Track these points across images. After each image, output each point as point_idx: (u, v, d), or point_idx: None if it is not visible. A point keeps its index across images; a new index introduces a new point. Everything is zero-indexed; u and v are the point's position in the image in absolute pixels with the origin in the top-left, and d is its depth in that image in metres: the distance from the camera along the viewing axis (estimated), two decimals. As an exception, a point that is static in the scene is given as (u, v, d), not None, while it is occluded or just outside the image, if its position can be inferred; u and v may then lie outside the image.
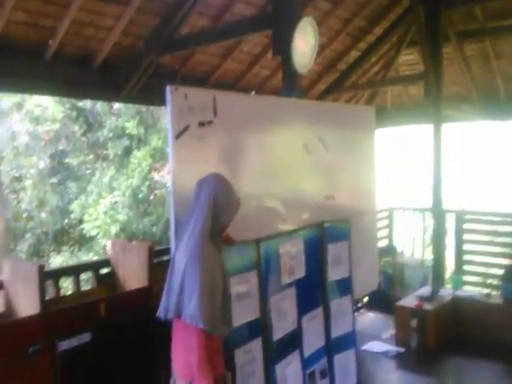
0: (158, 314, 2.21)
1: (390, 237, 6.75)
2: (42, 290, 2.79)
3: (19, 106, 10.66)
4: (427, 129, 5.86)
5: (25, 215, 11.31)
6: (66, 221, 10.72)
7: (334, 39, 5.82)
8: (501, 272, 5.31)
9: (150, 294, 3.31)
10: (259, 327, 2.89)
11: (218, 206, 2.23)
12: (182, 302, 2.09)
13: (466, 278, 5.87)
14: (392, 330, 5.00)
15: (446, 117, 5.68)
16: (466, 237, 5.91)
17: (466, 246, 5.91)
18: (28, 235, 10.86)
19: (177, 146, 2.59)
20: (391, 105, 7.42)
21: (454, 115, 6.25)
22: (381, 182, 4.86)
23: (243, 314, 2.76)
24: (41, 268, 2.80)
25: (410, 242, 6.78)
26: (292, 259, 3.21)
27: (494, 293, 5.24)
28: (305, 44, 3.68)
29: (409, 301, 4.94)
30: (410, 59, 6.65)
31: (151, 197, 10.70)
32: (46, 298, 2.90)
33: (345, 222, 3.78)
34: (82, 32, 4.00)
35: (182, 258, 2.15)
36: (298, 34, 3.54)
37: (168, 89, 2.54)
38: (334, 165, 3.93)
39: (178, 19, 4.31)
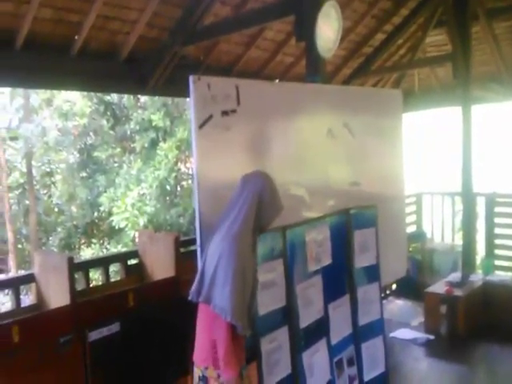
0: (190, 297, 2.23)
1: (418, 222, 6.65)
2: (72, 282, 2.85)
3: (48, 102, 10.88)
4: (456, 111, 5.72)
5: (55, 209, 11.59)
6: (96, 214, 10.93)
7: (358, 22, 5.72)
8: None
9: (177, 284, 3.35)
10: (285, 315, 2.89)
11: (261, 206, 2.22)
12: (214, 291, 2.12)
13: (498, 262, 5.74)
14: (421, 317, 4.94)
15: (475, 98, 5.54)
16: (497, 220, 5.78)
17: (497, 230, 5.78)
18: (59, 229, 11.12)
19: (200, 135, 2.59)
20: (418, 88, 7.26)
21: (484, 96, 6.10)
22: (409, 166, 4.77)
23: (269, 302, 2.76)
24: (70, 260, 2.86)
25: (440, 227, 6.67)
26: (318, 246, 3.19)
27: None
28: (329, 28, 3.63)
29: (438, 287, 4.87)
30: (437, 40, 6.48)
31: (178, 188, 10.80)
32: (76, 290, 2.96)
33: (371, 208, 3.73)
34: (107, 26, 4.04)
35: (216, 248, 2.16)
36: (322, 18, 3.49)
37: (191, 79, 2.54)
38: (360, 150, 3.88)
39: (201, 9, 4.30)
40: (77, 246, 11.28)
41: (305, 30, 3.52)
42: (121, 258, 3.79)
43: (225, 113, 2.69)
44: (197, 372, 2.21)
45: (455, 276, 5.11)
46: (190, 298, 2.23)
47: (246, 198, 2.22)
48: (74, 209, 11.28)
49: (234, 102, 2.75)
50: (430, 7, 5.87)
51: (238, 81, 2.87)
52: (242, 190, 2.26)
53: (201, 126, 2.57)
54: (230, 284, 2.06)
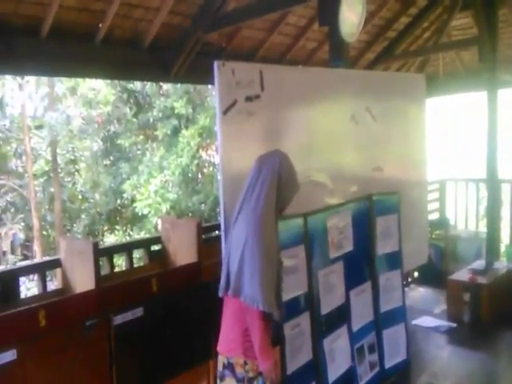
0: (220, 293, 2.22)
1: (442, 209, 6.58)
2: (97, 267, 2.90)
3: (73, 91, 11.00)
4: (481, 96, 5.61)
5: (80, 196, 11.78)
6: (119, 201, 11.08)
7: (382, 6, 5.62)
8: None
9: (199, 270, 3.39)
10: (307, 301, 2.90)
11: (280, 185, 2.20)
12: (242, 281, 2.08)
13: (523, 250, 5.65)
14: (444, 305, 4.91)
15: (502, 82, 5.42)
16: (523, 207, 5.68)
17: (522, 217, 5.69)
18: (83, 216, 11.32)
19: (225, 121, 2.59)
20: (443, 72, 7.12)
21: (510, 80, 5.95)
22: (432, 152, 4.71)
23: (291, 288, 2.76)
24: (95, 245, 2.91)
25: (463, 214, 6.58)
26: (340, 233, 3.19)
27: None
28: (352, 12, 3.59)
29: (461, 274, 4.83)
30: (463, 23, 6.33)
31: (199, 175, 10.86)
32: (101, 275, 3.02)
33: (394, 194, 3.70)
34: (130, 14, 4.06)
35: (240, 234, 2.12)
36: (345, 2, 3.45)
37: (216, 64, 2.54)
38: (383, 136, 3.84)
39: (223, -5, 4.29)
40: (100, 233, 11.45)
41: (328, 14, 3.49)
42: (144, 243, 3.84)
43: (249, 98, 2.70)
44: (221, 360, 2.24)
45: (479, 263, 5.05)
46: (220, 294, 2.21)
47: (264, 178, 2.19)
48: (97, 196, 11.45)
49: (258, 88, 2.75)
50: (456, -11, 5.74)
51: (262, 66, 2.87)
52: (260, 171, 2.22)
53: (225, 112, 2.58)
54: (259, 271, 2.04)
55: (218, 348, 2.28)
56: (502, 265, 5.02)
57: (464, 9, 5.84)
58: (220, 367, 2.25)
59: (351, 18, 3.58)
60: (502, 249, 5.86)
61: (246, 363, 2.14)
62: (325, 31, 4.66)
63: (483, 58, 5.12)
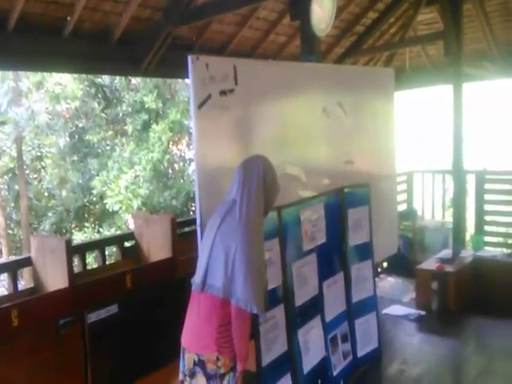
0: (194, 287, 2.22)
1: (409, 200, 6.72)
2: (70, 264, 2.88)
3: (39, 86, 10.73)
4: (447, 89, 5.74)
5: (46, 194, 11.53)
6: (87, 197, 10.89)
7: (351, 1, 5.70)
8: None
9: (174, 265, 3.39)
10: (281, 294, 2.94)
11: (266, 189, 2.24)
12: (234, 286, 2.08)
13: (487, 238, 5.83)
14: (412, 294, 5.03)
15: (467, 76, 5.55)
16: (486, 197, 5.85)
17: (486, 207, 5.86)
18: (50, 213, 11.08)
19: (199, 115, 2.61)
20: (410, 66, 7.25)
21: (475, 74, 6.10)
22: (400, 145, 4.81)
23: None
24: (68, 242, 2.89)
25: (430, 205, 6.75)
26: (313, 225, 3.24)
27: (515, 253, 5.21)
28: (322, 7, 3.64)
29: (429, 264, 4.95)
30: (428, 18, 6.46)
31: (171, 171, 10.79)
32: (74, 272, 2.98)
33: (364, 186, 3.77)
34: (99, 7, 4.01)
35: (230, 238, 2.13)
36: (316, -3, 3.50)
37: (189, 58, 2.55)
38: (354, 129, 3.91)
39: (194, -12, 4.27)
40: (68, 230, 11.26)
41: (299, 8, 3.53)
42: (117, 240, 3.82)
43: (223, 92, 2.71)
44: (191, 357, 2.20)
45: (446, 253, 5.19)
46: (193, 288, 2.22)
47: (251, 183, 2.21)
48: (65, 193, 11.23)
49: (232, 82, 2.77)
50: (421, -16, 5.85)
51: (236, 60, 2.89)
52: (245, 177, 2.24)
53: (200, 106, 2.59)
54: (251, 276, 2.07)
55: (187, 345, 2.23)
56: (468, 253, 5.16)
57: (429, 4, 5.97)
58: (190, 364, 2.21)
59: (322, 13, 3.63)
60: (468, 238, 6.04)
61: (218, 359, 2.14)
62: (295, 26, 4.70)
63: (448, 52, 5.23)
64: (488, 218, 5.89)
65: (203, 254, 2.25)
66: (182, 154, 11.25)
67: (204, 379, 2.17)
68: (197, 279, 2.22)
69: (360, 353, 3.63)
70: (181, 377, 2.29)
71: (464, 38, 5.37)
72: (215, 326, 2.15)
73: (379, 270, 5.85)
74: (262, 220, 2.22)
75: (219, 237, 2.18)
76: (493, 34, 6.08)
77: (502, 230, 6.38)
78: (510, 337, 4.17)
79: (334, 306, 3.41)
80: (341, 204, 3.55)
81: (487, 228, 5.92)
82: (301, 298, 3.08)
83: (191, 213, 10.29)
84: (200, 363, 2.17)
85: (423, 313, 4.65)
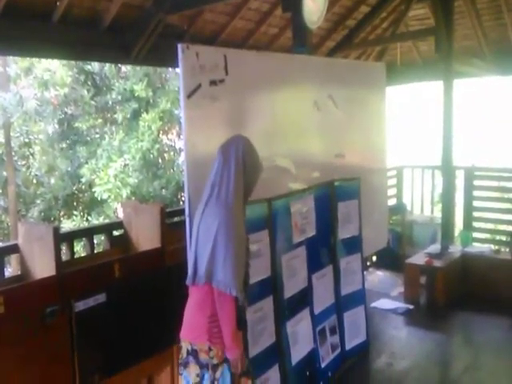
0: (187, 281, 2.22)
1: (399, 195, 6.75)
2: (58, 252, 2.84)
3: (28, 72, 10.59)
4: (437, 85, 5.76)
5: (34, 181, 11.41)
6: (76, 185, 10.79)
7: (343, -6, 5.68)
8: (510, 228, 5.32)
9: (162, 255, 3.36)
10: (270, 286, 2.94)
11: (246, 169, 2.20)
12: (215, 268, 2.08)
13: (475, 234, 5.89)
14: (401, 288, 5.07)
15: (457, 73, 5.57)
16: (475, 193, 5.90)
17: (475, 203, 5.91)
18: (38, 201, 10.97)
19: (189, 105, 2.58)
20: (401, 62, 7.27)
21: (465, 71, 6.12)
22: (391, 140, 4.82)
23: (255, 273, 2.77)
24: (56, 230, 2.84)
25: (420, 200, 6.78)
26: (303, 218, 3.24)
27: (502, 249, 5.26)
28: (315, -1, 3.61)
29: (418, 258, 4.98)
30: (420, 14, 6.46)
31: (161, 160, 10.73)
32: (61, 260, 2.95)
33: (354, 180, 3.78)
34: (89, -8, 3.94)
35: (210, 224, 2.12)
36: (308, -12, 3.47)
37: (179, 47, 2.52)
38: (344, 122, 3.91)
39: (185, -23, 4.22)
40: (57, 218, 11.16)
41: (291, 0, 3.49)
42: (106, 229, 3.78)
43: (213, 82, 2.69)
44: (184, 346, 2.23)
45: (434, 248, 5.23)
46: (188, 283, 2.21)
47: (230, 165, 2.18)
48: (53, 180, 11.12)
49: (222, 72, 2.75)
50: (414, -20, 5.84)
51: (227, 50, 2.86)
52: (224, 158, 2.21)
53: (189, 96, 2.56)
54: (230, 258, 2.05)
55: (181, 334, 2.26)
56: (456, 249, 5.21)
57: (421, -1, 5.97)
58: (184, 354, 2.23)
59: (314, 5, 3.60)
60: (457, 233, 6.08)
61: (210, 349, 2.14)
62: (287, 17, 4.66)
63: (439, 49, 5.24)
64: (476, 214, 5.95)
65: (191, 245, 2.25)
66: (173, 144, 11.18)
67: (197, 367, 2.17)
68: (189, 272, 2.22)
69: (348, 345, 3.65)
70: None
71: (455, 34, 5.39)
72: (207, 315, 2.15)
73: (368, 263, 5.89)
74: (241, 202, 2.18)
75: (203, 223, 2.17)
76: (483, 31, 6.11)
77: (490, 226, 6.45)
78: (497, 332, 4.22)
79: (322, 298, 3.43)
80: (331, 197, 3.55)
81: (475, 224, 5.98)
82: (290, 290, 3.09)
83: (181, 203, 10.25)
84: (193, 352, 2.18)
85: (411, 307, 4.69)
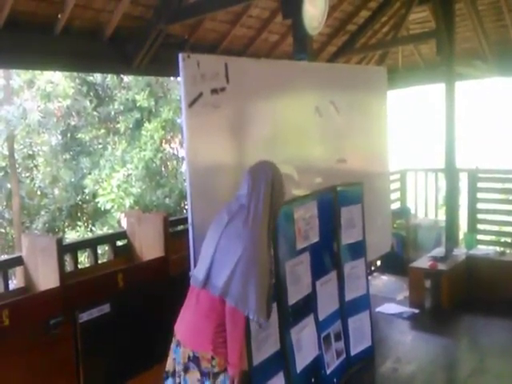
0: (194, 282, 2.24)
1: (402, 199, 6.73)
2: (62, 263, 2.86)
3: (30, 84, 10.67)
4: (440, 88, 5.76)
5: (38, 192, 11.46)
6: (80, 196, 10.83)
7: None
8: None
9: (166, 264, 3.37)
10: (274, 293, 2.91)
11: (274, 195, 2.26)
12: (233, 286, 2.10)
13: (480, 237, 5.85)
14: (406, 292, 5.04)
15: (459, 75, 5.57)
16: (479, 195, 5.87)
17: (479, 205, 5.87)
18: (42, 212, 11.01)
19: (190, 114, 2.59)
20: (402, 65, 7.28)
21: (467, 73, 6.13)
22: (393, 143, 4.81)
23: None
24: (59, 241, 2.86)
25: (423, 203, 6.76)
26: (306, 224, 3.23)
27: (508, 251, 5.23)
28: (315, 5, 3.62)
29: (422, 262, 4.96)
30: (420, 17, 6.47)
31: (163, 169, 10.75)
32: (65, 272, 2.96)
33: (357, 185, 3.77)
34: (90, 4, 3.97)
35: (234, 240, 2.16)
36: (308, -5, 3.48)
37: (180, 56, 2.53)
38: (346, 127, 3.91)
39: (185, -14, 4.25)
40: (61, 229, 11.19)
41: (291, 7, 3.51)
42: (109, 239, 3.80)
43: (214, 91, 2.70)
44: (185, 352, 2.20)
45: (439, 251, 5.20)
46: (196, 285, 2.22)
47: (259, 188, 2.24)
48: (57, 191, 11.17)
49: (223, 80, 2.76)
50: (413, -17, 5.86)
51: (227, 58, 2.88)
52: (254, 181, 2.27)
53: (191, 105, 2.57)
54: (255, 280, 2.09)
55: (183, 340, 2.23)
56: (460, 252, 5.18)
57: (421, 3, 5.98)
58: (184, 359, 2.21)
59: (314, 11, 3.62)
60: (461, 236, 6.05)
61: (212, 358, 2.13)
62: (287, 24, 4.68)
63: (440, 51, 5.24)
64: (481, 216, 5.91)
65: (207, 250, 2.25)
66: (175, 153, 11.21)
67: (198, 374, 2.17)
68: (199, 275, 2.23)
69: (353, 351, 3.63)
70: (171, 366, 2.30)
71: (456, 37, 5.39)
72: (213, 325, 2.14)
73: (373, 268, 5.87)
74: (267, 224, 2.22)
75: (225, 237, 2.20)
76: (484, 33, 6.10)
77: (495, 228, 6.42)
78: (503, 335, 4.19)
79: (327, 304, 3.41)
80: (334, 202, 3.55)
81: (480, 226, 5.94)
82: (294, 296, 3.07)
83: (184, 211, 10.26)
84: (194, 359, 2.17)
85: (416, 311, 4.67)
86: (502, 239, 6.48)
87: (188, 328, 2.24)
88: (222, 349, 2.13)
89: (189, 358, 2.19)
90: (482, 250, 5.33)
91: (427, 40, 6.22)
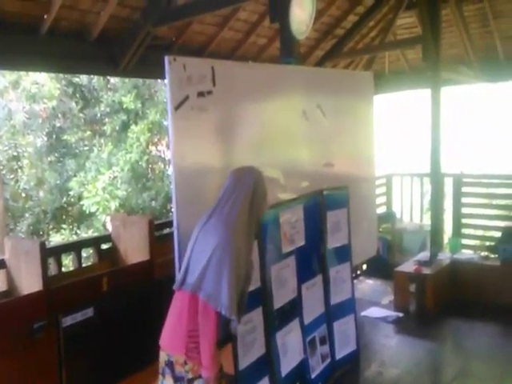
0: (174, 286, 2.22)
1: (388, 203, 6.78)
2: (45, 267, 2.83)
3: (15, 85, 10.56)
4: (425, 93, 5.81)
5: (23, 194, 11.32)
6: (65, 199, 10.73)
7: (331, 4, 5.72)
8: (498, 234, 5.35)
9: (151, 267, 3.35)
10: (260, 296, 2.92)
11: (254, 199, 2.28)
12: (205, 281, 2.10)
13: (464, 241, 5.91)
14: (391, 296, 5.06)
15: (445, 80, 5.62)
16: (464, 200, 5.94)
17: (464, 210, 5.94)
18: (27, 214, 10.88)
19: (176, 117, 2.58)
20: (389, 70, 7.34)
21: (453, 78, 6.19)
22: (379, 148, 4.84)
23: (244, 283, 2.78)
24: (42, 244, 2.83)
25: (409, 208, 6.81)
26: (292, 228, 3.23)
27: (491, 255, 5.28)
28: (302, 10, 3.63)
29: (407, 266, 4.99)
30: (407, 23, 6.54)
31: (150, 171, 10.70)
32: (49, 275, 2.93)
33: (343, 189, 3.78)
34: (77, 5, 3.94)
35: (209, 239, 2.16)
36: (296, -1, 3.49)
37: (166, 59, 2.52)
38: (333, 131, 3.92)
39: (174, -12, 4.23)
40: (46, 232, 11.08)
41: (279, 11, 3.51)
42: (93, 242, 3.76)
43: (201, 94, 2.69)
44: (162, 356, 2.21)
45: (424, 255, 5.23)
46: (174, 287, 2.22)
47: (240, 192, 2.27)
48: (42, 194, 11.05)
49: (210, 83, 2.75)
50: (401, -12, 5.91)
51: (214, 61, 2.86)
52: (235, 185, 2.30)
53: (177, 108, 2.56)
54: (228, 277, 2.07)
55: (161, 342, 2.23)
56: (445, 256, 5.22)
57: (408, 8, 6.03)
58: (162, 363, 2.21)
59: (301, 16, 3.62)
60: (446, 240, 6.10)
61: (186, 363, 2.12)
62: (275, 28, 4.69)
63: (427, 57, 5.28)
64: (465, 220, 5.98)
65: (186, 252, 2.27)
66: (162, 155, 11.17)
67: (171, 381, 2.16)
68: (178, 276, 2.24)
69: (338, 355, 3.63)
70: None
71: (442, 42, 5.44)
72: (186, 328, 2.13)
73: (358, 272, 5.89)
74: (243, 227, 2.21)
75: (201, 237, 2.21)
76: (470, 39, 6.18)
77: (479, 232, 6.49)
78: (487, 338, 4.23)
79: (312, 308, 3.41)
80: (320, 206, 3.55)
81: (464, 231, 6.01)
82: (279, 300, 3.07)
83: (170, 214, 10.22)
84: (169, 364, 2.17)
85: (401, 315, 4.69)
86: (486, 243, 6.53)
87: (165, 330, 2.24)
88: (195, 354, 2.11)
89: (165, 362, 2.20)
90: (466, 254, 5.38)
91: (414, 45, 6.27)
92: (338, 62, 6.89)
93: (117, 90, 10.33)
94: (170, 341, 2.19)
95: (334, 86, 3.98)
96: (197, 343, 2.10)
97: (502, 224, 5.72)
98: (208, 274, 2.10)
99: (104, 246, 3.74)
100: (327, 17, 5.93)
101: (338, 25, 6.23)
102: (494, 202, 6.70)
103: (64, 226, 10.83)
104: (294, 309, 3.22)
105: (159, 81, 9.93)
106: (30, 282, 2.86)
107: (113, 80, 10.55)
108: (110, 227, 3.72)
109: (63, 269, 3.62)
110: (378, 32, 6.76)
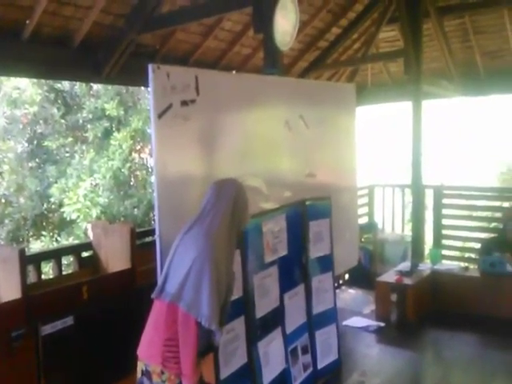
0: (153, 294, 2.21)
1: (370, 213, 6.83)
2: (24, 274, 2.78)
3: (-5, 90, 10.43)
4: (407, 106, 5.89)
5: (3, 200, 11.14)
6: (45, 205, 10.58)
7: (315, 16, 5.78)
8: (478, 246, 5.42)
9: (133, 276, 3.32)
10: (242, 306, 2.92)
11: (236, 211, 2.29)
12: (185, 291, 2.09)
13: (445, 252, 5.98)
14: (372, 306, 5.09)
15: (426, 93, 5.71)
16: (444, 212, 6.02)
17: (444, 221, 6.02)
18: (6, 221, 10.70)
19: (159, 125, 2.58)
20: (371, 82, 7.43)
21: (434, 92, 6.30)
22: (361, 159, 4.89)
23: (226, 293, 2.78)
24: (22, 252, 2.79)
25: (391, 218, 6.87)
26: (275, 237, 3.24)
27: (471, 266, 5.36)
28: (286, 21, 3.66)
29: (389, 276, 5.03)
30: (390, 36, 6.65)
31: (132, 179, 10.63)
32: (28, 283, 2.89)
33: (326, 199, 3.81)
34: (60, 11, 3.92)
35: (189, 246, 2.17)
36: (279, 10, 3.53)
37: (150, 67, 2.52)
38: (315, 142, 3.95)
39: (158, -3, 4.24)
40: (25, 239, 10.91)
41: (262, 22, 3.54)
42: (74, 250, 3.73)
43: (184, 103, 2.69)
44: (140, 365, 2.19)
45: (405, 265, 5.28)
46: (152, 295, 2.20)
47: (221, 204, 2.29)
48: (22, 200, 10.89)
49: (194, 92, 2.75)
50: (383, 3, 6.01)
51: (198, 71, 2.87)
52: (217, 196, 2.32)
53: (160, 116, 2.56)
54: (208, 288, 2.07)
55: (138, 351, 2.21)
56: (426, 266, 5.28)
57: (391, 22, 6.14)
58: (139, 373, 2.19)
59: (285, 27, 3.66)
60: (427, 251, 6.17)
61: (162, 373, 2.10)
62: (259, 38, 4.73)
63: (408, 70, 5.37)
64: (445, 232, 6.05)
65: (166, 261, 2.26)
66: (145, 163, 11.10)
67: None
68: (158, 285, 2.22)
69: (320, 364, 3.64)
70: None
71: (423, 56, 5.54)
72: (163, 337, 2.11)
73: (340, 281, 5.91)
74: (224, 238, 2.22)
75: (182, 245, 2.21)
76: (451, 53, 6.29)
77: (459, 244, 6.57)
78: (467, 348, 4.27)
79: (294, 317, 3.42)
80: (302, 216, 3.57)
81: (445, 242, 6.08)
82: (262, 309, 3.07)
83: (153, 222, 10.14)
84: (146, 373, 2.15)
85: (382, 324, 4.72)
86: (466, 255, 6.64)
87: (142, 339, 2.22)
88: (172, 363, 2.08)
89: (142, 372, 2.17)
90: (446, 265, 5.44)
91: (396, 58, 6.37)
92: (322, 74, 6.96)
93: (99, 96, 10.26)
94: (147, 350, 2.17)
95: (317, 98, 4.01)
96: (174, 352, 2.08)
97: (482, 235, 5.81)
98: (188, 285, 2.10)
99: (85, 254, 3.70)
100: (311, 28, 5.99)
101: (321, 37, 6.29)
102: (475, 213, 6.80)
103: (44, 233, 10.67)
104: (276, 318, 3.22)
105: (142, 88, 9.90)
106: (8, 290, 2.81)
107: (95, 87, 10.48)
108: (90, 235, 3.68)
109: (43, 276, 3.58)
110: (361, 44, 6.86)
